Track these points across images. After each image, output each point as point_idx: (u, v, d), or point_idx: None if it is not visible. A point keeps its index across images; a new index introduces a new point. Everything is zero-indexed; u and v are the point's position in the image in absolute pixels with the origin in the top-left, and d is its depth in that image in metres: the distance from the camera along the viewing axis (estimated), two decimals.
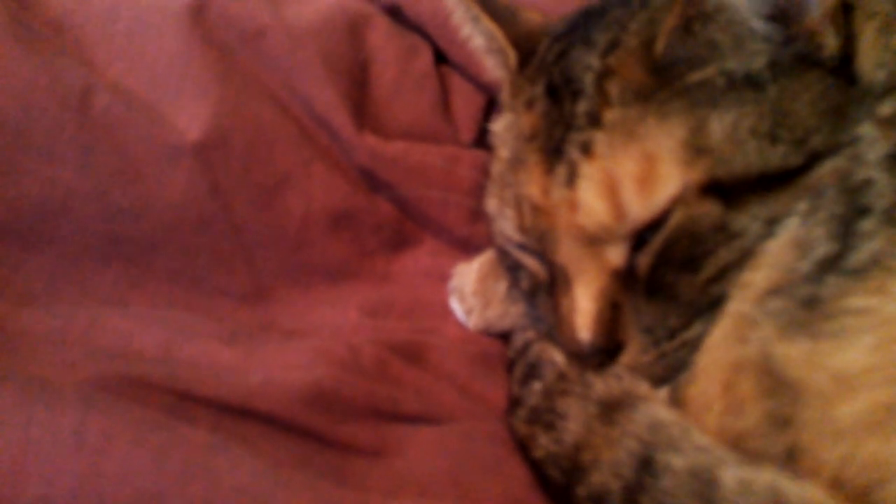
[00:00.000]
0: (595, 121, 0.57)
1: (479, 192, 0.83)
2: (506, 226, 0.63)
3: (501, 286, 0.77)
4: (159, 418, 0.48)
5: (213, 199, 0.77)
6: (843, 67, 0.55)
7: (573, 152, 0.57)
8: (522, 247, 0.65)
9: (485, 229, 0.85)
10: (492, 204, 0.64)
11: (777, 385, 0.46)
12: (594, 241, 0.57)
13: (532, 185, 0.59)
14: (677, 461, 0.46)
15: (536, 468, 0.57)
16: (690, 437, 0.48)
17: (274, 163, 0.80)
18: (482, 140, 0.93)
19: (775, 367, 0.46)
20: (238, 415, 0.54)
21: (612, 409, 0.53)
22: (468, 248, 0.86)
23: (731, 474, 0.44)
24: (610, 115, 0.56)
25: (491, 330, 0.78)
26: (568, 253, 0.58)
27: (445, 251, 0.86)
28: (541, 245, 0.60)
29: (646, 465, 0.47)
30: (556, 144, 0.58)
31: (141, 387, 0.53)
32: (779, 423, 0.46)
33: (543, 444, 0.56)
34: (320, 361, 0.62)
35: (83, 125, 0.74)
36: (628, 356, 0.58)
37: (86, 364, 0.57)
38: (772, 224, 0.54)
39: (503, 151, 0.64)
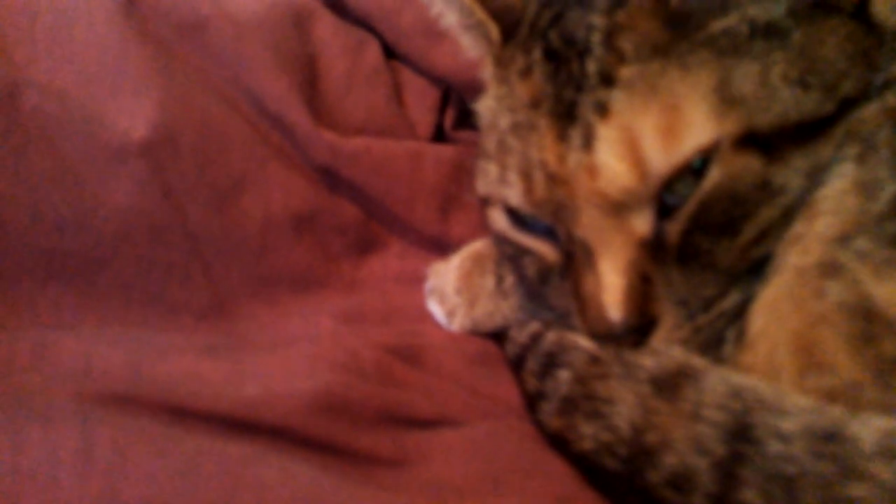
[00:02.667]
0: (609, 79, 0.53)
1: (446, 188, 0.78)
2: (510, 195, 0.57)
3: (489, 281, 0.72)
4: (173, 432, 0.40)
5: (165, 204, 0.69)
6: (861, 13, 0.53)
7: (588, 114, 0.53)
8: (527, 226, 0.60)
9: (455, 227, 0.79)
10: (491, 173, 0.59)
11: (882, 329, 0.41)
12: (618, 208, 0.52)
13: (545, 151, 0.54)
14: (785, 424, 0.41)
15: (581, 461, 0.51)
16: (789, 398, 0.43)
17: (228, 163, 0.73)
18: (440, 136, 0.88)
19: (877, 310, 0.42)
20: (244, 429, 0.46)
21: (671, 385, 0.48)
22: (438, 247, 0.80)
23: (867, 428, 0.39)
24: (626, 72, 0.52)
25: (478, 329, 0.72)
26: (589, 224, 0.53)
27: (414, 253, 0.81)
28: (556, 218, 0.55)
29: (740, 433, 0.42)
30: (566, 108, 0.54)
31: (129, 403, 0.44)
32: (890, 367, 0.41)
33: (589, 433, 0.50)
34: (321, 367, 0.55)
35: (12, 126, 0.65)
36: (662, 332, 0.54)
37: (50, 387, 0.48)
38: (812, 177, 0.50)
39: (502, 120, 0.58)
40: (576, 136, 0.53)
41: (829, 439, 0.40)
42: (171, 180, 0.69)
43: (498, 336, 0.71)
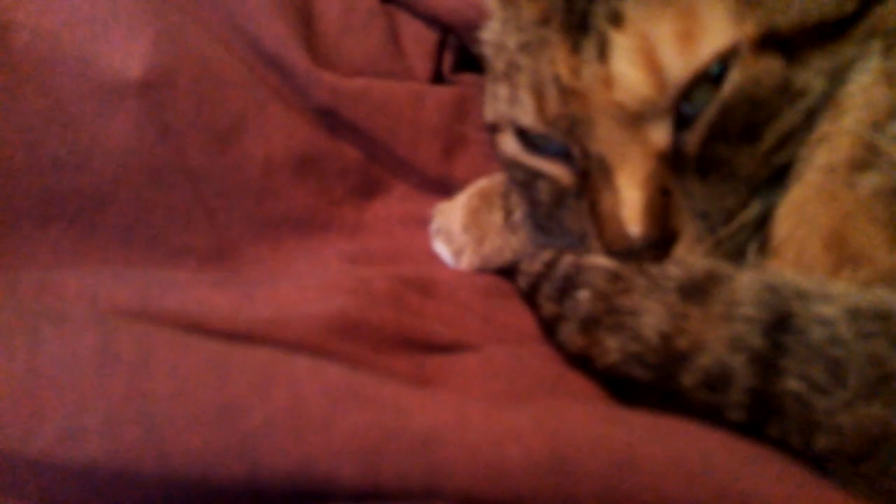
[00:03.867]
0: None
1: (449, 129, 0.76)
2: (522, 115, 0.56)
3: (497, 216, 0.70)
4: (194, 339, 0.38)
5: (164, 144, 0.66)
6: None
7: (601, 24, 0.51)
8: (539, 149, 0.58)
9: (459, 168, 0.78)
10: (501, 96, 0.57)
11: None
12: (635, 119, 0.51)
13: (558, 65, 0.53)
14: (827, 309, 0.40)
15: (607, 375, 0.49)
16: (828, 285, 0.42)
17: (226, 104, 0.71)
18: (438, 81, 0.86)
19: None
20: (264, 343, 0.44)
21: (700, 290, 0.46)
22: (442, 189, 0.78)
23: None
24: None
25: (487, 266, 0.71)
26: (606, 138, 0.52)
27: (417, 195, 0.79)
28: (570, 135, 0.54)
29: (780, 324, 0.41)
30: (578, 20, 0.52)
31: (143, 318, 0.43)
32: None
33: (615, 346, 0.49)
34: (334, 293, 0.53)
35: (4, 65, 0.63)
36: (683, 246, 0.53)
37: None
38: (834, 78, 0.49)
39: (510, 41, 0.57)
40: (589, 47, 0.52)
41: (877, 317, 0.39)
42: (168, 120, 0.67)
43: (507, 273, 0.70)
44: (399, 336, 0.53)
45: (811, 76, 0.49)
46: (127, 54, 0.68)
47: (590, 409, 0.41)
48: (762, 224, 0.53)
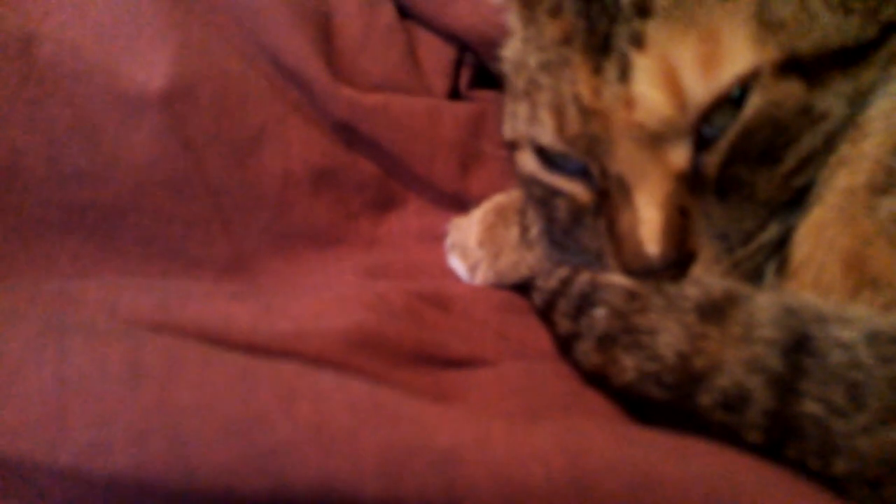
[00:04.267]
0: (644, 10, 0.52)
1: (465, 145, 0.77)
2: (541, 133, 0.56)
3: (513, 232, 0.71)
4: (219, 352, 0.38)
5: (185, 158, 0.67)
6: None
7: (623, 46, 0.52)
8: (558, 167, 0.59)
9: (475, 184, 0.78)
10: (520, 114, 0.58)
11: None
12: (655, 140, 0.51)
13: (579, 85, 0.53)
14: (846, 333, 0.40)
15: (624, 394, 0.49)
16: (846, 309, 0.42)
17: (247, 117, 0.71)
18: (455, 96, 0.87)
19: None
20: (285, 358, 0.45)
21: (718, 311, 0.47)
22: (457, 204, 0.79)
23: None
24: (662, 2, 0.51)
25: (501, 282, 0.71)
26: (626, 158, 0.52)
27: (433, 210, 0.79)
28: (590, 154, 0.54)
29: (798, 347, 0.41)
30: (600, 41, 0.53)
31: (166, 330, 0.43)
32: None
33: (632, 365, 0.49)
34: (351, 307, 0.54)
35: (28, 77, 0.64)
36: (700, 266, 0.53)
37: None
38: (854, 103, 0.50)
39: (531, 59, 0.57)
40: (611, 68, 0.52)
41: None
42: (189, 133, 0.68)
43: (522, 289, 0.70)
44: (416, 350, 0.53)
45: (832, 100, 0.50)
46: (149, 67, 0.69)
47: (609, 428, 0.41)
48: (780, 246, 0.53)
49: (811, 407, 0.39)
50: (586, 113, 0.53)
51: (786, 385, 0.41)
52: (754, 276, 0.53)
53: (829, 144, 0.50)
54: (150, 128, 0.66)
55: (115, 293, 0.54)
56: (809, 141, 0.50)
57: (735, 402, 0.43)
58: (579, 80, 0.54)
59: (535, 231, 0.70)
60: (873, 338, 0.39)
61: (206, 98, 0.69)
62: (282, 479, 0.32)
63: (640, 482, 0.33)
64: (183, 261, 0.66)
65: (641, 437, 0.38)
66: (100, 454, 0.33)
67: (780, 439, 0.40)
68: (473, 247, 0.72)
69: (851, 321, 0.41)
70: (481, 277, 0.71)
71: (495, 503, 0.32)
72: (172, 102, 0.67)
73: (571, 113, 0.54)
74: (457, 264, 0.74)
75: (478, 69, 0.88)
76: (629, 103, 0.52)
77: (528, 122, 0.58)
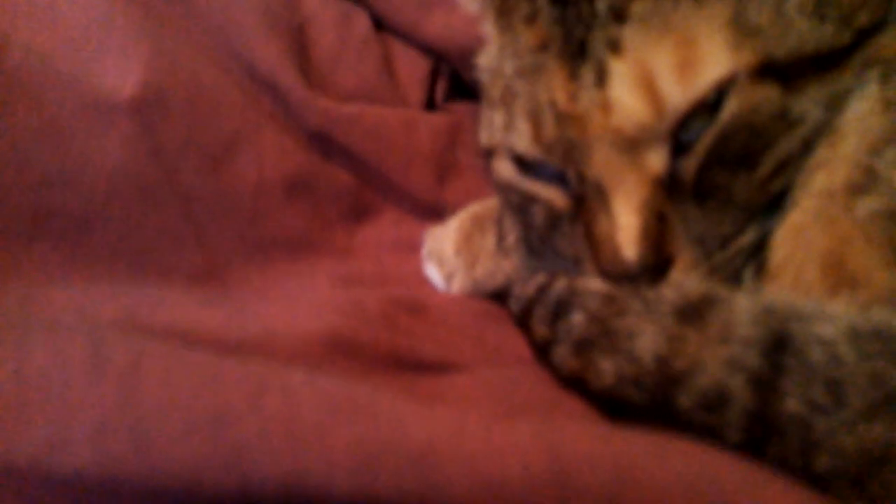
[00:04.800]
0: (620, 15, 0.52)
1: (441, 156, 0.76)
2: (518, 141, 0.56)
3: (489, 241, 0.70)
4: (186, 349, 0.37)
5: (156, 164, 0.66)
6: None
7: (600, 51, 0.52)
8: (535, 173, 0.58)
9: (451, 194, 0.78)
10: (496, 121, 0.57)
11: None
12: (632, 145, 0.51)
13: (555, 91, 0.53)
14: (826, 330, 0.40)
15: (602, 398, 0.49)
16: (826, 306, 0.42)
17: (219, 125, 0.70)
18: (431, 108, 0.86)
19: None
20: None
21: (696, 312, 0.46)
22: (433, 214, 0.78)
23: None
24: (638, 7, 0.51)
25: (478, 290, 0.71)
26: (602, 163, 0.52)
27: (409, 220, 0.79)
28: (567, 160, 0.54)
29: (778, 345, 0.41)
30: (577, 47, 0.53)
31: (136, 331, 0.42)
32: None
33: (610, 369, 0.48)
34: (326, 312, 0.53)
35: None
36: (679, 271, 0.52)
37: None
38: (831, 107, 0.50)
39: (507, 67, 0.57)
40: (588, 73, 0.52)
41: (877, 337, 0.38)
42: (160, 140, 0.67)
43: (499, 298, 0.69)
44: (391, 355, 0.52)
45: (808, 104, 0.50)
46: (120, 74, 0.68)
47: (588, 426, 0.40)
48: (758, 250, 0.52)
49: (792, 405, 0.39)
50: (563, 119, 0.53)
51: (766, 384, 0.40)
52: (732, 281, 0.53)
53: (806, 148, 0.50)
54: (120, 134, 0.65)
55: (81, 299, 0.53)
56: (786, 145, 0.50)
57: (715, 402, 0.42)
58: (556, 86, 0.53)
59: (511, 239, 0.69)
60: (854, 334, 0.39)
61: (178, 105, 0.68)
62: (249, 475, 0.31)
63: (620, 478, 0.32)
64: (153, 268, 0.65)
65: (621, 436, 0.37)
66: (61, 451, 0.32)
67: (761, 438, 0.40)
68: (450, 255, 0.71)
69: (831, 318, 0.40)
70: (458, 286, 0.71)
71: (472, 499, 0.31)
72: (143, 109, 0.66)
73: (548, 119, 0.54)
74: (433, 273, 0.73)
75: (454, 80, 0.87)
76: (606, 108, 0.51)
77: (505, 129, 0.58)
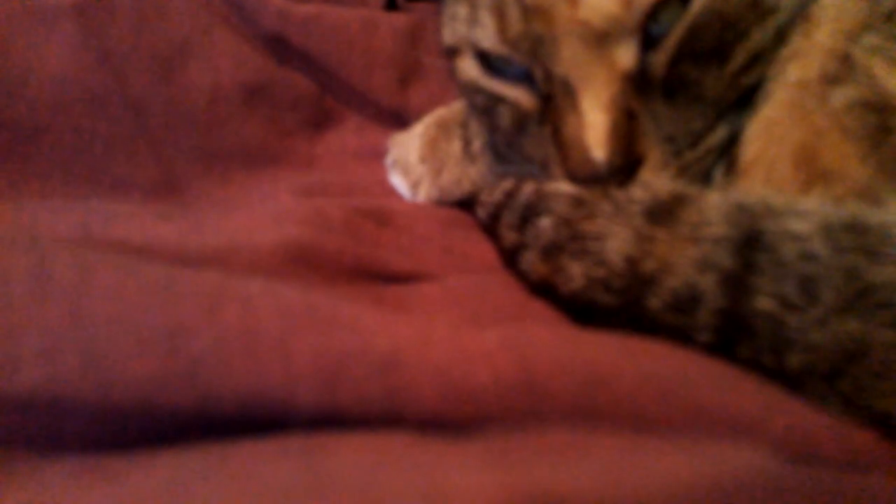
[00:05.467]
0: None
1: (404, 58, 0.73)
2: (482, 36, 0.53)
3: (455, 146, 0.68)
4: (137, 263, 0.35)
5: (103, 72, 0.63)
6: None
7: None
8: (501, 72, 0.56)
9: (415, 99, 0.75)
10: (460, 16, 0.55)
11: None
12: (600, 39, 0.49)
13: None
14: (799, 225, 0.39)
15: (571, 302, 0.47)
16: (799, 201, 0.40)
17: (169, 29, 0.67)
18: (392, 6, 0.83)
19: (892, 101, 0.39)
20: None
21: (667, 212, 0.45)
22: (397, 121, 0.76)
23: (891, 214, 0.37)
24: None
25: (445, 198, 0.69)
26: (570, 59, 0.50)
27: (372, 127, 0.76)
28: (533, 57, 0.51)
29: (750, 242, 0.40)
30: None
31: (86, 244, 0.40)
32: None
33: (579, 272, 0.47)
34: (288, 222, 0.51)
35: None
36: (648, 171, 0.51)
37: None
38: None
39: None
40: None
41: (852, 231, 0.37)
42: (107, 45, 0.63)
43: (467, 206, 0.68)
44: (356, 265, 0.50)
45: None
46: None
47: (558, 331, 0.39)
48: (729, 148, 0.51)
49: (763, 303, 0.38)
50: (528, 11, 0.51)
51: (737, 282, 0.39)
52: (703, 180, 0.52)
53: (779, 39, 0.48)
54: (63, 39, 0.61)
55: (31, 215, 0.50)
56: (759, 36, 0.48)
57: (685, 303, 0.41)
58: None
59: (478, 144, 0.67)
60: (827, 229, 0.38)
61: (124, 8, 0.65)
62: (207, 389, 0.30)
63: (592, 379, 0.31)
64: (107, 182, 0.62)
65: (592, 338, 0.36)
66: (7, 371, 0.30)
67: (733, 338, 0.39)
68: (415, 163, 0.69)
69: (805, 213, 0.39)
70: (424, 194, 0.69)
71: (440, 407, 0.30)
72: (86, 12, 0.63)
73: (513, 12, 0.51)
74: (398, 182, 0.71)
75: None
76: (573, 0, 0.49)
77: (469, 24, 0.55)
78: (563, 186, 0.52)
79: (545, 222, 0.51)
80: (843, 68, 0.43)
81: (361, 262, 0.51)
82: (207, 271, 0.35)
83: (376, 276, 0.51)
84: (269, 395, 0.30)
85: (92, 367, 0.30)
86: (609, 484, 0.24)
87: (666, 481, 0.24)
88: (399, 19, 0.79)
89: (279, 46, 0.72)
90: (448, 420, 0.30)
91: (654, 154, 0.51)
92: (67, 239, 0.46)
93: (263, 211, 0.54)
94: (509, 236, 0.55)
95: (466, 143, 0.68)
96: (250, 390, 0.30)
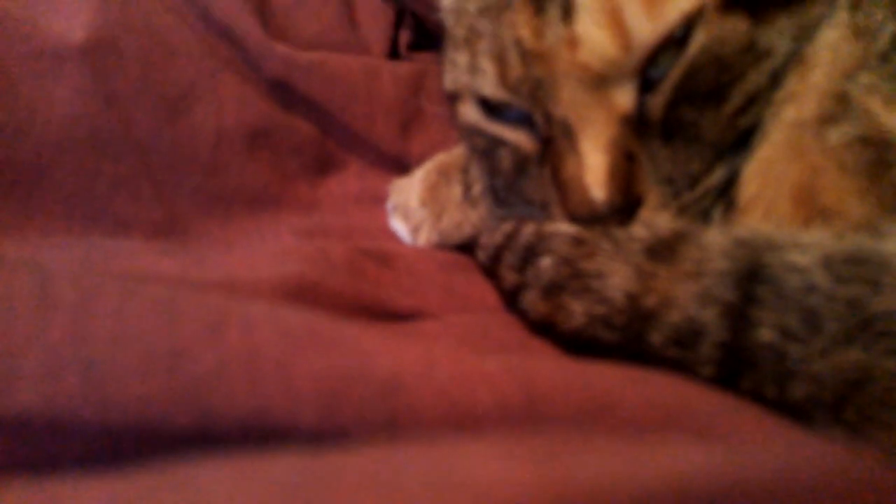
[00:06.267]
0: None
1: (405, 105, 0.74)
2: (483, 83, 0.54)
3: (456, 191, 0.69)
4: (138, 284, 0.35)
5: (109, 113, 0.63)
6: None
7: None
8: (501, 115, 0.57)
9: (416, 145, 0.76)
10: (461, 63, 0.56)
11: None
12: (599, 82, 0.50)
13: (520, 28, 0.51)
14: (801, 257, 0.39)
15: (572, 340, 0.47)
16: (800, 235, 0.41)
17: (175, 72, 0.68)
18: (395, 56, 0.84)
19: (890, 137, 0.40)
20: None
21: (667, 249, 0.45)
22: (398, 166, 0.77)
23: (893, 244, 0.37)
24: None
25: (445, 242, 0.69)
26: (570, 101, 0.51)
27: (373, 173, 0.77)
28: (533, 100, 0.52)
29: (752, 275, 0.40)
30: None
31: (89, 274, 0.40)
32: None
33: (580, 310, 0.47)
34: (290, 259, 0.51)
35: None
36: (647, 212, 0.51)
37: None
38: (800, 39, 0.49)
39: (470, 6, 0.55)
40: (553, 8, 0.51)
41: (852, 262, 0.37)
42: (114, 87, 0.64)
43: (467, 250, 0.68)
44: (357, 302, 0.51)
45: (777, 36, 0.49)
46: (70, 19, 0.65)
47: (560, 361, 0.39)
48: (727, 189, 0.51)
49: (766, 335, 0.38)
50: (529, 57, 0.52)
51: (739, 314, 0.39)
52: (702, 220, 0.52)
53: (775, 81, 0.49)
54: (70, 82, 0.62)
55: (34, 251, 0.50)
56: (755, 79, 0.49)
57: (687, 337, 0.41)
58: (521, 23, 0.52)
59: (478, 188, 0.68)
60: (828, 261, 0.38)
61: (131, 51, 0.65)
62: (208, 411, 0.29)
63: (596, 405, 0.31)
64: (110, 221, 0.63)
65: (595, 367, 0.36)
66: (6, 390, 0.30)
67: (735, 370, 0.39)
68: (415, 207, 0.70)
69: (805, 246, 0.39)
70: (424, 238, 0.69)
71: (441, 430, 0.30)
72: (94, 55, 0.63)
73: (513, 58, 0.52)
74: (399, 226, 0.71)
75: (418, 30, 0.85)
76: (573, 44, 0.50)
77: (469, 71, 0.56)
78: (564, 226, 0.53)
79: (546, 262, 0.52)
80: (839, 107, 0.43)
81: (363, 300, 0.51)
82: (209, 293, 0.35)
83: (378, 314, 0.51)
84: (271, 416, 0.30)
85: (93, 386, 0.30)
86: (618, 477, 0.23)
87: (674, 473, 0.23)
88: (401, 67, 0.81)
89: (283, 92, 0.73)
90: (450, 441, 0.29)
91: (653, 195, 0.52)
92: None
93: (265, 249, 0.54)
94: (510, 277, 0.56)
95: (467, 188, 0.69)
96: (251, 411, 0.30)
